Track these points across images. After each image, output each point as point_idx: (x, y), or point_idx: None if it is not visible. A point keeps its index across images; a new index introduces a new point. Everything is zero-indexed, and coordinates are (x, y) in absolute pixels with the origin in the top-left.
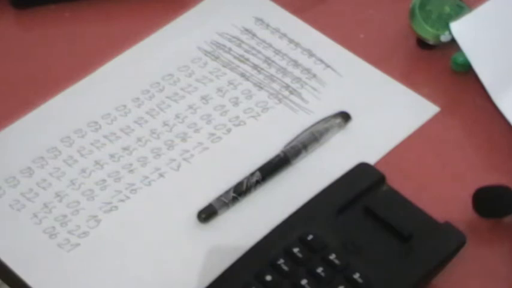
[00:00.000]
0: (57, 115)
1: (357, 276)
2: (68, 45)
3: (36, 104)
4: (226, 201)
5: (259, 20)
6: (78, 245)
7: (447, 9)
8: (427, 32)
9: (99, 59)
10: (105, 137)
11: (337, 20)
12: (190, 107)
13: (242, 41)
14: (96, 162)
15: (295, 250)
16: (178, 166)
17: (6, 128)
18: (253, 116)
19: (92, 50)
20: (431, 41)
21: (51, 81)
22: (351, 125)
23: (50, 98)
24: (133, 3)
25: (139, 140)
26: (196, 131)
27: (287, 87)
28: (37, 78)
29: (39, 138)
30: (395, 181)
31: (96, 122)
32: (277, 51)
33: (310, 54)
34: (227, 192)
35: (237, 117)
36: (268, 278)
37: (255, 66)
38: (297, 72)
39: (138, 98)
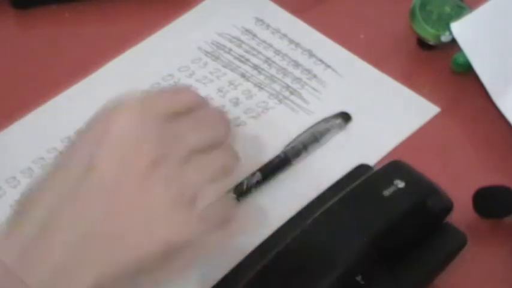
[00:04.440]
0: (57, 115)
1: (359, 278)
2: (68, 46)
3: (36, 104)
4: None
5: (260, 21)
6: None
7: (447, 9)
8: (428, 32)
9: (100, 59)
10: None
11: (337, 21)
12: None
13: (242, 42)
14: None
15: None
16: None
17: (6, 128)
18: (253, 117)
19: (93, 50)
20: (431, 41)
21: (51, 81)
22: (352, 125)
23: (50, 98)
24: (133, 3)
25: None
26: None
27: (287, 87)
28: (37, 78)
29: (40, 138)
30: None
31: None
32: (277, 52)
33: (311, 54)
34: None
35: (238, 117)
36: None
37: (255, 67)
38: (297, 72)
39: None
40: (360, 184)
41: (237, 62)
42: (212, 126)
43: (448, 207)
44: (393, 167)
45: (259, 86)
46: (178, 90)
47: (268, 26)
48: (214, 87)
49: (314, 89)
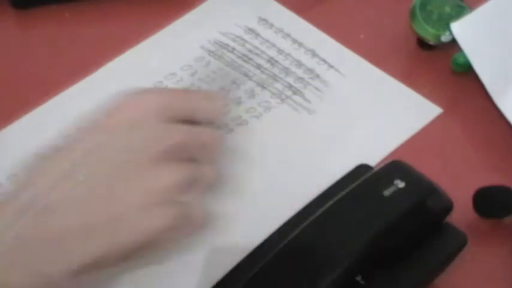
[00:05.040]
0: (58, 114)
1: (359, 278)
2: (68, 46)
3: (36, 104)
4: None
5: (263, 20)
6: None
7: (448, 9)
8: (428, 32)
9: (100, 59)
10: None
11: (337, 20)
12: None
13: (245, 41)
14: None
15: None
16: None
17: (8, 127)
18: (255, 116)
19: (93, 50)
20: (431, 41)
21: (51, 81)
22: (354, 125)
23: (50, 98)
24: (134, 3)
25: None
26: None
27: (290, 87)
28: (37, 78)
29: (41, 136)
30: None
31: None
32: (280, 51)
33: (314, 54)
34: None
35: (240, 116)
36: None
37: (258, 66)
38: (300, 72)
39: None
40: (360, 184)
41: (240, 61)
42: (201, 145)
43: (448, 207)
44: (393, 167)
45: (262, 86)
46: (206, 97)
47: (271, 25)
48: (217, 86)
49: (316, 89)
